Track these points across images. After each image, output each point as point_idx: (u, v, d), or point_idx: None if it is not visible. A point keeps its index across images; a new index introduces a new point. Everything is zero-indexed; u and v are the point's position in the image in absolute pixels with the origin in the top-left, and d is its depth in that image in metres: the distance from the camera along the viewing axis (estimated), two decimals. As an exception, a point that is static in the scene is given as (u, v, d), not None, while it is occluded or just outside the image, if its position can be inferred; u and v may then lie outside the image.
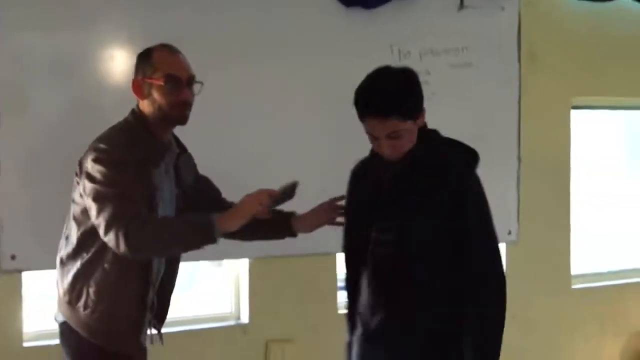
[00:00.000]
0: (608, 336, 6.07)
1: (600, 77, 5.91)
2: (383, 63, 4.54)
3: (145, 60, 3.33)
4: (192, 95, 3.37)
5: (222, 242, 4.30)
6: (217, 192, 3.79)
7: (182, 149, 3.57)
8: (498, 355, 3.01)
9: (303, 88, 4.96)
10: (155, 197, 3.26)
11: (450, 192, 3.00)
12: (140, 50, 3.70)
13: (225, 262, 5.06)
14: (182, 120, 3.32)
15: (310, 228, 3.59)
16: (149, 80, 3.27)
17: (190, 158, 3.64)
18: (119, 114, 3.72)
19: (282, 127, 4.94)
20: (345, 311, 3.85)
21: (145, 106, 3.31)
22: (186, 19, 4.62)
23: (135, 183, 3.06)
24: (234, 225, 3.20)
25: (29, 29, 4.18)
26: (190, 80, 3.34)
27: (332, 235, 4.60)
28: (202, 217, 3.20)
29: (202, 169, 3.99)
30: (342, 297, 5.04)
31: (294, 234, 3.62)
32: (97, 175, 3.12)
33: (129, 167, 3.11)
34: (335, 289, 5.20)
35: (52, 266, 3.72)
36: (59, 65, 4.28)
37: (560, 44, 5.73)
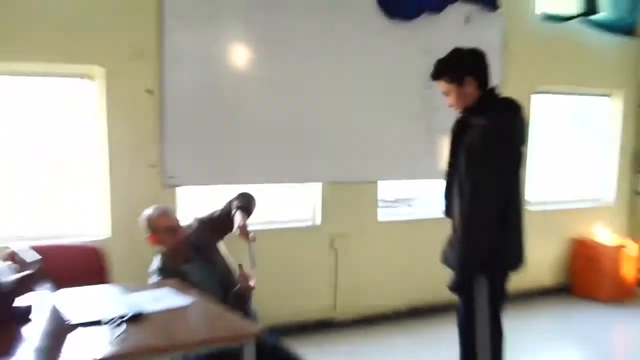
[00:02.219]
0: (547, 242, 6.53)
1: (555, 72, 6.31)
2: (413, 59, 5.15)
3: (150, 225, 3.80)
4: (184, 229, 3.84)
5: (303, 171, 5.04)
6: (220, 218, 4.03)
7: (193, 244, 3.89)
8: (472, 236, 3.24)
9: (362, 72, 5.32)
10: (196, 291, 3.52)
11: (472, 140, 3.25)
12: (254, 48, 4.69)
13: (307, 184, 5.39)
14: (184, 244, 3.81)
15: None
16: (155, 235, 3.77)
17: (194, 243, 3.90)
18: (235, 89, 4.68)
19: (352, 104, 5.32)
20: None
21: (164, 248, 3.82)
22: (282, 24, 4.98)
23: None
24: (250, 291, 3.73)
25: (181, 29, 4.63)
26: (179, 222, 3.82)
27: (373, 170, 5.32)
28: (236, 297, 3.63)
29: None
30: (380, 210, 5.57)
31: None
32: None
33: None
34: (376, 204, 5.59)
35: (196, 184, 4.68)
36: (197, 55, 4.73)
37: (528, 48, 6.06)
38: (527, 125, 3.45)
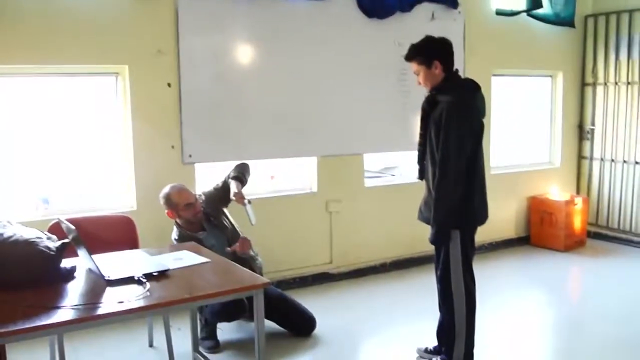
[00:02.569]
0: (509, 201, 6.57)
1: (508, 58, 6.34)
2: (388, 52, 5.20)
3: (168, 201, 3.88)
4: (200, 203, 3.90)
5: (301, 147, 5.08)
6: (221, 189, 4.09)
7: (207, 213, 3.97)
8: (446, 194, 3.29)
9: (348, 63, 5.33)
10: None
11: (440, 116, 3.29)
12: (257, 45, 4.69)
13: (304, 158, 5.37)
14: (199, 217, 3.88)
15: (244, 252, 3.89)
16: (175, 210, 3.85)
17: (207, 214, 3.97)
18: (242, 80, 4.71)
19: (334, 88, 5.32)
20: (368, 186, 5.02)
21: (179, 220, 3.90)
22: (280, 27, 5.01)
23: None
24: (247, 252, 3.86)
25: (194, 34, 4.65)
26: (195, 198, 3.89)
27: (362, 143, 5.33)
28: (236, 259, 3.59)
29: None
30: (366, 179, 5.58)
31: (244, 258, 3.86)
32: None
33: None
34: (362, 173, 5.60)
35: (210, 160, 4.69)
36: (209, 54, 4.74)
37: (485, 39, 6.08)
38: (484, 101, 3.50)
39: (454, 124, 3.25)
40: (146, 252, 3.30)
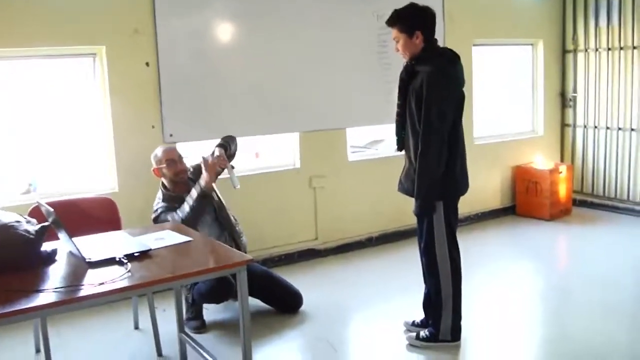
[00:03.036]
0: (493, 170, 6.62)
1: (488, 27, 6.34)
2: (368, 23, 5.21)
3: (155, 158, 3.96)
4: (184, 165, 3.97)
5: (282, 123, 5.07)
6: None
7: (193, 182, 3.96)
8: (430, 165, 3.28)
9: (328, 37, 5.33)
10: None
11: (420, 86, 3.27)
12: (236, 23, 4.65)
13: (288, 134, 5.36)
14: (183, 179, 3.94)
15: (211, 179, 3.85)
16: (160, 166, 3.89)
17: (194, 181, 3.99)
18: (222, 57, 4.70)
19: (314, 64, 5.32)
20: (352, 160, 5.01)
21: (164, 180, 3.95)
22: (255, 1, 5.02)
23: None
24: (212, 180, 3.82)
25: (171, 12, 4.63)
26: (180, 158, 3.94)
27: (343, 117, 5.34)
28: (200, 195, 3.76)
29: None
30: (350, 153, 5.60)
31: (207, 195, 3.85)
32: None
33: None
34: (346, 148, 5.61)
35: (191, 139, 4.66)
36: (188, 32, 4.74)
37: (465, 10, 6.09)
38: (463, 70, 3.48)
39: (435, 94, 3.24)
40: (129, 233, 3.30)
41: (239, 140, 4.27)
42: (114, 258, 2.71)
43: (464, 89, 3.48)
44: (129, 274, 2.52)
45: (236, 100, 4.97)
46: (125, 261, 2.66)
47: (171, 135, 4.72)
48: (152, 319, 3.72)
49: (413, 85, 3.34)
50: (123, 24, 4.51)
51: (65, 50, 4.43)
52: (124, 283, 2.42)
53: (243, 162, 5.11)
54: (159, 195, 3.96)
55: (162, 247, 2.95)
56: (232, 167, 3.91)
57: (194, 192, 3.79)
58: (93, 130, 4.65)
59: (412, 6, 3.41)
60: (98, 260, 2.70)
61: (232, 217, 4.11)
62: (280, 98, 5.17)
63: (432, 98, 3.23)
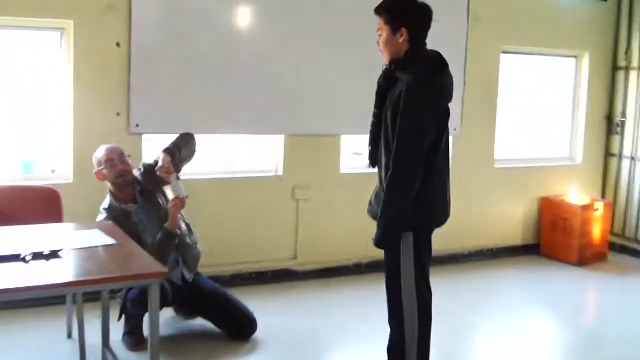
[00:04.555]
0: (516, 201, 6.61)
1: (521, 32, 6.37)
2: (371, 17, 4.79)
3: (96, 160, 4.07)
4: (127, 164, 4.08)
5: (266, 123, 5.16)
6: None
7: (142, 186, 4.15)
8: (399, 190, 3.28)
9: (327, 28, 5.41)
10: (138, 229, 3.97)
11: (398, 97, 3.24)
12: (222, 3, 4.81)
13: (270, 136, 5.49)
14: (126, 180, 4.06)
15: (175, 222, 4.03)
16: (100, 169, 4.04)
17: (141, 185, 4.16)
18: (202, 43, 4.91)
19: (309, 57, 5.42)
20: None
21: (108, 184, 4.10)
22: None
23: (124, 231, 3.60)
24: (177, 222, 4.03)
25: None
26: (121, 156, 4.07)
27: (339, 122, 5.39)
28: (164, 234, 3.95)
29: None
30: (343, 163, 5.67)
31: (174, 234, 4.04)
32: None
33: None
34: (339, 157, 5.68)
35: (160, 132, 4.81)
36: (166, 11, 4.90)
37: (494, 10, 6.12)
38: (452, 81, 3.47)
39: (413, 109, 3.23)
40: (64, 227, 3.60)
41: (213, 137, 4.48)
42: (19, 255, 2.93)
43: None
44: (29, 274, 2.74)
45: (214, 92, 5.12)
46: (28, 260, 2.88)
47: (137, 125, 4.90)
48: (80, 328, 3.92)
49: (391, 96, 3.34)
50: (94, -2, 4.66)
51: (29, 22, 4.68)
52: (13, 285, 2.63)
53: (213, 163, 5.29)
54: (106, 203, 4.12)
55: (79, 248, 3.17)
56: (178, 178, 4.04)
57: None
58: (52, 112, 4.91)
59: None
60: (1, 256, 2.94)
61: (184, 225, 4.26)
62: (264, 94, 5.29)
63: (409, 113, 3.23)
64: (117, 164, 4.06)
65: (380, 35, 3.37)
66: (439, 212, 3.52)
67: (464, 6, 5.96)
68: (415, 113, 3.24)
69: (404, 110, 3.23)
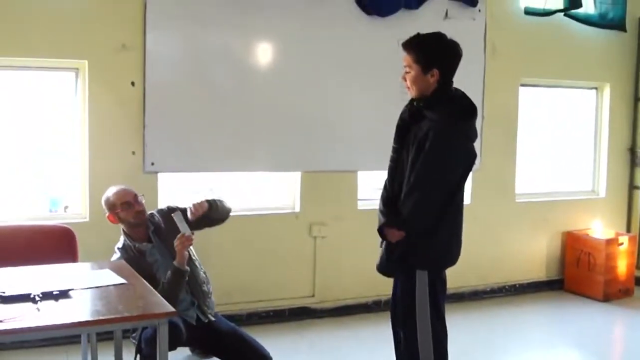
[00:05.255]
0: (539, 235, 6.57)
1: (540, 65, 6.39)
2: (391, 53, 5.03)
3: (107, 202, 4.09)
4: (141, 204, 4.09)
5: (282, 160, 5.22)
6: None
7: (156, 225, 4.15)
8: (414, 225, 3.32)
9: (343, 65, 5.49)
10: (152, 269, 3.97)
11: (424, 136, 3.24)
12: (230, 38, 4.93)
13: (286, 173, 5.52)
14: (142, 220, 4.08)
15: (182, 259, 3.97)
16: (115, 211, 4.06)
17: (158, 226, 4.16)
18: (217, 81, 4.98)
19: (326, 94, 5.49)
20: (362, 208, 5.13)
21: (122, 225, 4.10)
22: (262, 20, 5.22)
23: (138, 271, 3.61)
24: (184, 259, 3.97)
25: (163, 26, 4.91)
26: (135, 197, 4.09)
27: (355, 158, 5.44)
28: (172, 272, 3.91)
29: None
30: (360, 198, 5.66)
31: (182, 271, 3.98)
32: None
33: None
34: (356, 193, 5.71)
35: (175, 170, 4.90)
36: (180, 50, 4.99)
37: (512, 42, 6.17)
38: (476, 127, 3.48)
39: (441, 151, 3.26)
40: (89, 267, 3.65)
41: (229, 175, 4.70)
42: (29, 295, 2.95)
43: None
44: (37, 313, 2.76)
45: (230, 130, 5.17)
46: (38, 299, 2.90)
47: (152, 164, 4.94)
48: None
49: (415, 132, 3.35)
50: (110, 38, 4.81)
51: (44, 63, 4.79)
52: (22, 325, 2.65)
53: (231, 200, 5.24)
54: (120, 243, 4.14)
55: (89, 287, 3.19)
56: (184, 220, 4.05)
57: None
58: (68, 152, 4.99)
59: (439, 37, 3.36)
60: (11, 296, 2.95)
61: (202, 275, 4.28)
62: (282, 130, 5.35)
63: (434, 153, 3.26)
64: (133, 205, 4.09)
65: (407, 72, 3.35)
66: (455, 252, 3.54)
67: (481, 38, 6.01)
68: (443, 157, 3.29)
69: (430, 149, 3.25)
